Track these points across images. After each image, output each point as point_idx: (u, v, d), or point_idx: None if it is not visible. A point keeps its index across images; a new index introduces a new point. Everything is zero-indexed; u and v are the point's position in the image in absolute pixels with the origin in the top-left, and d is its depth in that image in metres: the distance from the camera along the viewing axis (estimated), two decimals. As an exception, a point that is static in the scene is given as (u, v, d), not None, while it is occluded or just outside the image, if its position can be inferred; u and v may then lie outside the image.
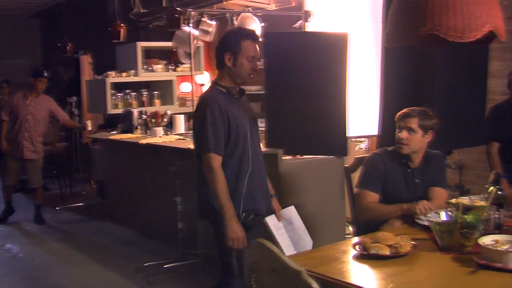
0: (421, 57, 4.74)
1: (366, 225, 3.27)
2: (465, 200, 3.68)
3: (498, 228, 3.06)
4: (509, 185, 4.56)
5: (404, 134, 3.53)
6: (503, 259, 2.54)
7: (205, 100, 3.35)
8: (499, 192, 3.23)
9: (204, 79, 9.46)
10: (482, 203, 3.51)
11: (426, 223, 3.24)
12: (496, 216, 3.10)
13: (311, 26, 5.16)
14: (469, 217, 2.84)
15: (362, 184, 3.62)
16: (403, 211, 3.43)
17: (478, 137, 4.85)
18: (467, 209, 3.03)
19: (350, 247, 2.89)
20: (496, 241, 2.72)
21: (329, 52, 4.50)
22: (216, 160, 3.24)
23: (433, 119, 3.58)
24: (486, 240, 2.72)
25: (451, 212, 3.04)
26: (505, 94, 5.28)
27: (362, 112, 5.13)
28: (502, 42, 5.48)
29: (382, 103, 4.80)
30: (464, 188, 5.11)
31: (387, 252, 2.76)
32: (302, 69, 4.45)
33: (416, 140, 3.54)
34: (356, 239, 3.05)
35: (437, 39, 2.85)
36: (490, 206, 3.11)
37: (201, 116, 3.28)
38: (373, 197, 3.58)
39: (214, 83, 3.42)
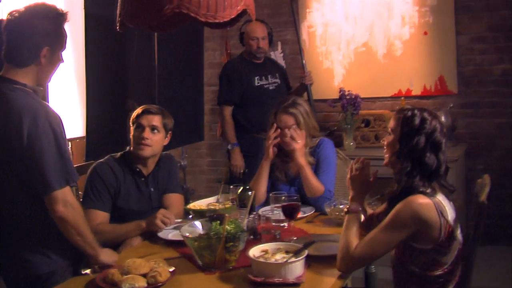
0: (122, 53, 4.29)
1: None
2: (201, 204, 3.32)
3: (255, 235, 2.72)
4: (241, 155, 4.50)
5: (147, 133, 3.01)
6: (282, 272, 2.19)
7: (38, 110, 2.29)
8: (249, 193, 2.89)
9: None
10: (219, 205, 3.19)
11: (170, 238, 2.80)
12: (249, 220, 2.75)
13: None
14: (231, 227, 2.43)
15: (89, 202, 2.96)
16: (143, 229, 2.89)
17: (198, 134, 4.56)
18: (216, 218, 2.64)
19: (96, 283, 2.26)
20: (265, 251, 2.36)
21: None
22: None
23: (172, 119, 3.14)
24: (256, 252, 2.34)
25: (202, 222, 2.61)
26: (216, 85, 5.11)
27: (64, 115, 4.47)
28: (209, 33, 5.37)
29: (87, 103, 4.20)
30: (189, 189, 4.77)
31: (144, 284, 2.20)
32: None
33: (159, 141, 3.07)
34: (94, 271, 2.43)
35: (180, 20, 2.40)
36: (243, 211, 2.77)
37: (48, 135, 2.27)
38: (102, 216, 2.96)
39: (15, 83, 2.34)
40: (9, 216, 2.36)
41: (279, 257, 2.29)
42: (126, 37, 4.29)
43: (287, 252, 2.33)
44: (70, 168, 2.33)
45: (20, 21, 2.36)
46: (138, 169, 3.07)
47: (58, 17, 2.40)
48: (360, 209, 2.45)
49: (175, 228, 2.93)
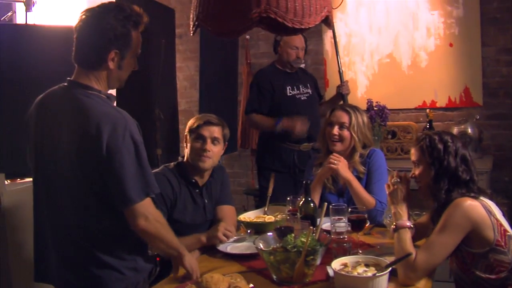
0: (148, 61, 4.22)
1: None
2: (250, 216, 3.27)
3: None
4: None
5: (209, 146, 2.95)
6: (369, 286, 2.14)
7: (118, 119, 2.14)
8: (312, 205, 2.83)
9: None
10: (271, 218, 3.16)
11: (229, 251, 2.76)
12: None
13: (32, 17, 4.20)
14: (309, 241, 2.37)
15: None
16: (202, 243, 2.83)
17: (233, 144, 4.50)
18: (285, 231, 2.58)
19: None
20: (345, 265, 2.30)
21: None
22: None
23: (228, 130, 3.10)
24: (336, 266, 2.28)
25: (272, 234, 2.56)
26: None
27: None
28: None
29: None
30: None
31: (226, 299, 2.14)
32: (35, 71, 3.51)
33: (218, 153, 3.01)
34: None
35: (253, 25, 2.34)
36: (304, 223, 2.70)
37: (129, 146, 2.12)
38: None
39: (89, 88, 2.21)
40: (80, 231, 2.22)
41: (361, 270, 2.23)
42: (152, 44, 4.23)
43: (366, 265, 2.28)
44: (150, 179, 2.20)
45: (89, 21, 2.22)
46: (194, 181, 2.99)
47: (128, 19, 2.23)
48: (408, 224, 2.45)
49: (234, 241, 2.87)
